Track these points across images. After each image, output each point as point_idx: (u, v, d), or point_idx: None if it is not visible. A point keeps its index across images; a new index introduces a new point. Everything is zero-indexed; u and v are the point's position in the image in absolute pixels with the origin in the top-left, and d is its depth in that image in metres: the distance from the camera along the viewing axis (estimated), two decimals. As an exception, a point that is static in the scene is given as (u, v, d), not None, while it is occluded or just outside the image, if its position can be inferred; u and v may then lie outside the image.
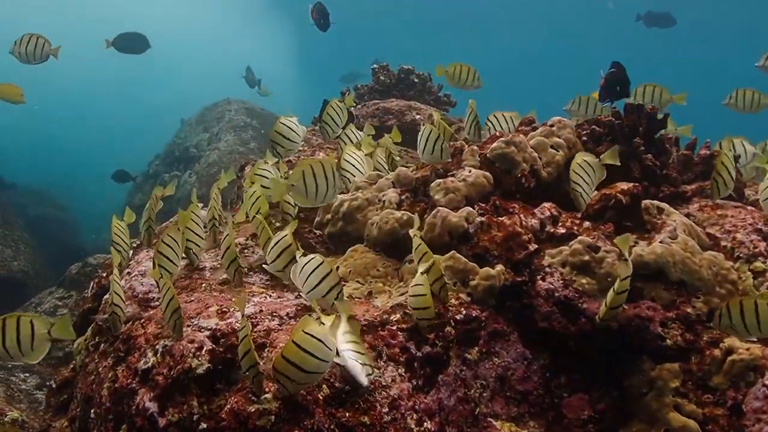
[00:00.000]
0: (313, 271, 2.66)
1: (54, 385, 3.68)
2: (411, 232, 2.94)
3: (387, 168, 3.90)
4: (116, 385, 2.63)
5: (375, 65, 7.55)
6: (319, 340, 2.19)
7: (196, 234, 3.18)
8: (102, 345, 2.99)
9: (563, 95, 4.77)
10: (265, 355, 2.45)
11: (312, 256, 2.72)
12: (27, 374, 4.99)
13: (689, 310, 2.88)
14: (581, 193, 3.13)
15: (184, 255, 3.13)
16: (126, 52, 8.51)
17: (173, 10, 31.60)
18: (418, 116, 6.20)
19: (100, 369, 2.80)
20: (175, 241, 2.98)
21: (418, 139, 3.49)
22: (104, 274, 3.50)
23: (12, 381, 4.76)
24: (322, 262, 2.68)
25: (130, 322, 2.82)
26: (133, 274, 3.16)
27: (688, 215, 3.46)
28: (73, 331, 2.67)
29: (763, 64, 4.97)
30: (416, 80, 7.46)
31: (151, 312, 2.85)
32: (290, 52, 34.20)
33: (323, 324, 2.27)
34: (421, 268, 2.73)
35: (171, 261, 2.93)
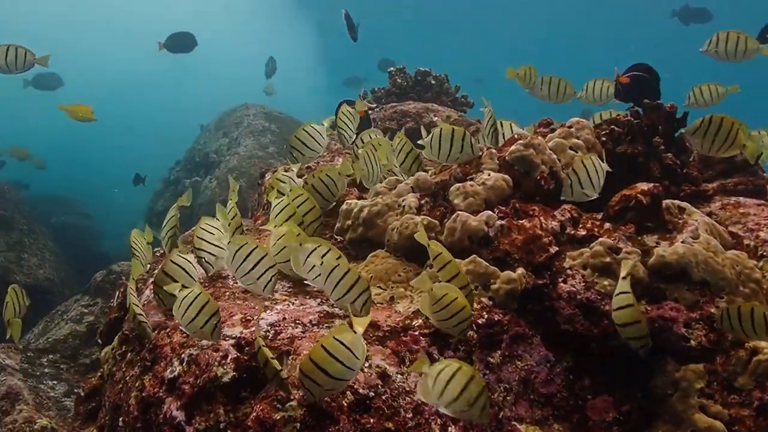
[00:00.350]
0: (342, 278, 2.68)
1: (82, 393, 3.73)
2: (418, 237, 2.92)
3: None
4: (143, 394, 2.66)
5: (392, 68, 7.58)
6: (348, 348, 2.20)
7: (211, 242, 3.21)
8: (129, 354, 3.03)
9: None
10: (289, 362, 2.47)
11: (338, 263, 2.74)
12: (55, 381, 5.06)
13: (713, 310, 2.86)
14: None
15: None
16: (176, 52, 8.62)
17: (192, 15, 31.85)
18: (436, 118, 6.21)
19: (128, 378, 2.84)
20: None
21: (432, 141, 3.48)
22: (129, 283, 3.54)
23: (41, 389, 4.83)
24: (349, 270, 2.70)
25: (156, 331, 2.86)
26: (157, 284, 3.19)
27: (710, 214, 3.45)
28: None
29: (706, 50, 4.74)
30: (433, 82, 7.48)
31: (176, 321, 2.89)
32: (312, 54, 34.22)
33: (355, 332, 2.27)
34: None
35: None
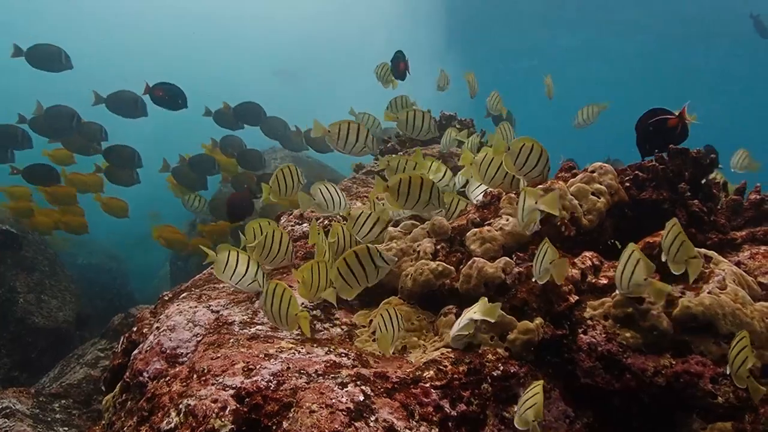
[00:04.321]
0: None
1: (86, 442, 3.63)
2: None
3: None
4: (140, 446, 2.55)
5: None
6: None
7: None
8: (129, 402, 2.93)
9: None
10: (290, 415, 2.35)
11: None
12: (66, 428, 4.98)
13: (742, 365, 2.70)
14: None
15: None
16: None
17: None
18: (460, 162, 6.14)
19: (125, 428, 2.73)
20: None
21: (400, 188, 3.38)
22: (134, 329, 3.45)
23: (51, 435, 4.75)
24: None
25: (156, 380, 2.76)
26: (162, 329, 3.10)
27: (738, 263, 3.29)
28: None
29: (576, 123, 5.34)
30: (458, 126, 7.42)
31: (178, 369, 2.78)
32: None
33: None
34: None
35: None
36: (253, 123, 9.21)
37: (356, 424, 2.30)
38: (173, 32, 34.61)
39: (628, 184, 3.63)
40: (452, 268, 3.25)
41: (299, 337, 3.02)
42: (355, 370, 2.62)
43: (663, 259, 2.83)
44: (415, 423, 2.44)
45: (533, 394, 2.43)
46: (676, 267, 2.80)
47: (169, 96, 7.76)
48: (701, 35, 26.60)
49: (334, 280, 3.11)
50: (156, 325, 3.20)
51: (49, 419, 5.02)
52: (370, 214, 3.63)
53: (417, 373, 2.65)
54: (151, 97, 7.89)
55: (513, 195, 3.49)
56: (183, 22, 34.31)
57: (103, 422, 3.24)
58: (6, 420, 4.70)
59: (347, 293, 3.12)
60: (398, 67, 7.17)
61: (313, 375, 2.57)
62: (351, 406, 2.37)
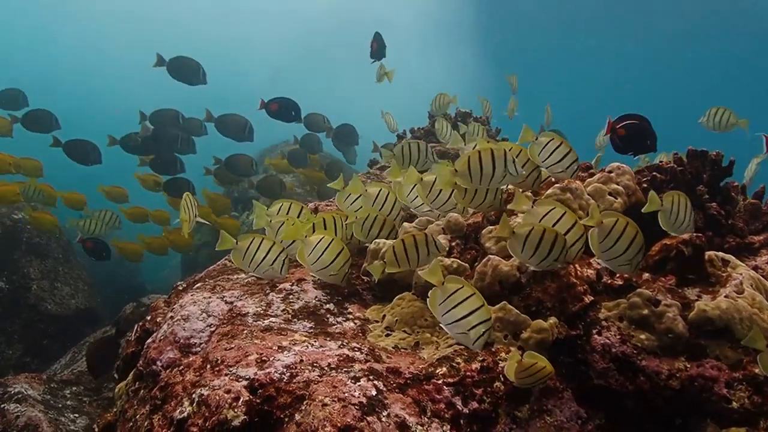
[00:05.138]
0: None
1: (97, 429, 3.64)
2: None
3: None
4: (152, 435, 2.56)
5: (430, 110, 7.58)
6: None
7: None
8: (141, 391, 2.94)
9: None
10: (303, 407, 2.35)
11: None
12: (77, 414, 5.00)
13: (757, 370, 2.68)
14: None
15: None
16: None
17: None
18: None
19: (138, 416, 2.75)
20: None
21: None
22: (148, 318, 3.46)
23: (61, 421, 4.77)
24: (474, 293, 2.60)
25: (169, 369, 2.76)
26: (175, 319, 3.11)
27: (755, 268, 3.27)
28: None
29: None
30: (474, 122, 7.41)
31: (191, 358, 2.79)
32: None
33: None
34: None
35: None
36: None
37: (368, 418, 2.29)
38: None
39: (645, 185, 3.61)
40: (467, 265, 3.24)
41: (312, 329, 3.02)
42: (368, 364, 2.62)
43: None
44: (427, 419, 2.43)
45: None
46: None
47: (284, 109, 7.82)
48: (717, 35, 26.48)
49: (387, 256, 3.17)
50: (170, 314, 3.20)
51: (60, 405, 5.05)
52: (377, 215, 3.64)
53: (430, 370, 2.64)
54: (267, 111, 7.93)
55: (530, 193, 3.47)
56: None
57: (116, 409, 3.26)
58: (18, 405, 4.73)
59: (393, 268, 3.17)
60: (372, 47, 7.32)
61: (326, 368, 2.57)
62: (363, 400, 2.37)
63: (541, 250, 2.80)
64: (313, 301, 3.30)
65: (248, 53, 34.88)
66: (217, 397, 2.40)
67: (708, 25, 26.04)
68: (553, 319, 2.87)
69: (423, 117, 7.70)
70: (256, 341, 2.76)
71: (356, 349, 2.77)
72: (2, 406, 4.72)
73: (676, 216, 3.01)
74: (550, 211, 2.90)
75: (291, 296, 3.33)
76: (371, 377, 2.51)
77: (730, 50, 27.41)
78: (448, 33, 30.48)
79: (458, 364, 2.68)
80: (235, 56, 34.11)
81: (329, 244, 3.28)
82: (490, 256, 3.12)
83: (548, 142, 3.29)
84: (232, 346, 2.72)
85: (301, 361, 2.59)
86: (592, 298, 2.96)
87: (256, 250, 3.29)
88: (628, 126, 3.87)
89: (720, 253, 3.16)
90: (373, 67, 7.65)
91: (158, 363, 2.93)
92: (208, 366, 2.61)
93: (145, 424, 2.61)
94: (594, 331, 2.86)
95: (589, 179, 3.54)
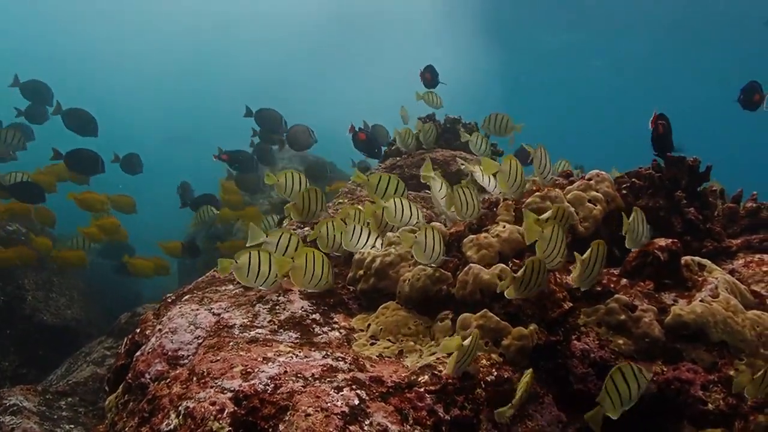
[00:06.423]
0: None
1: (89, 441, 3.70)
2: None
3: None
4: (140, 447, 2.61)
5: (421, 116, 7.59)
6: None
7: None
8: (131, 403, 2.99)
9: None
10: (286, 418, 2.40)
11: None
12: (72, 426, 5.04)
13: (732, 372, 2.74)
14: None
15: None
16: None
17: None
18: (463, 165, 6.16)
19: (127, 429, 2.79)
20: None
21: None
22: (137, 330, 3.51)
23: (56, 433, 4.81)
24: None
25: (157, 381, 2.82)
26: (164, 331, 3.16)
27: (732, 272, 3.34)
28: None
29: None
30: (462, 130, 7.45)
31: (179, 371, 2.84)
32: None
33: None
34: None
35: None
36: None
37: (351, 427, 2.35)
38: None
39: (624, 192, 3.68)
40: (449, 274, 3.30)
41: (297, 340, 3.07)
42: (351, 374, 2.68)
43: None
44: (408, 427, 2.49)
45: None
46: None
47: (368, 143, 7.86)
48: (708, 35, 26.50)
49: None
50: (158, 327, 3.26)
51: (55, 417, 5.09)
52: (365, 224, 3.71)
53: (412, 378, 2.70)
54: (353, 140, 7.89)
55: (510, 202, 3.53)
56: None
57: (107, 422, 3.31)
58: (13, 417, 4.77)
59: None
60: (426, 78, 7.44)
61: (310, 379, 2.63)
62: (346, 409, 2.42)
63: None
64: (299, 311, 3.36)
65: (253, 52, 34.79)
66: (203, 410, 2.46)
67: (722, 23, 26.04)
68: (533, 326, 2.93)
69: (428, 109, 7.70)
70: (241, 353, 2.82)
71: (340, 359, 2.83)
72: (-2, 418, 4.77)
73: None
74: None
75: (278, 307, 3.39)
76: (354, 386, 2.57)
77: (731, 50, 27.47)
78: (452, 25, 30.48)
79: (440, 372, 2.74)
80: (237, 56, 34.19)
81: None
82: (472, 264, 3.18)
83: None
84: (218, 358, 2.78)
85: (285, 372, 2.65)
86: (572, 304, 3.03)
87: (258, 266, 3.35)
88: (663, 126, 3.90)
89: (696, 258, 3.22)
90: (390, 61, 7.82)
91: (146, 375, 2.99)
92: (195, 378, 2.66)
93: (134, 436, 2.67)
94: (573, 337, 2.93)
95: (569, 186, 3.61)
